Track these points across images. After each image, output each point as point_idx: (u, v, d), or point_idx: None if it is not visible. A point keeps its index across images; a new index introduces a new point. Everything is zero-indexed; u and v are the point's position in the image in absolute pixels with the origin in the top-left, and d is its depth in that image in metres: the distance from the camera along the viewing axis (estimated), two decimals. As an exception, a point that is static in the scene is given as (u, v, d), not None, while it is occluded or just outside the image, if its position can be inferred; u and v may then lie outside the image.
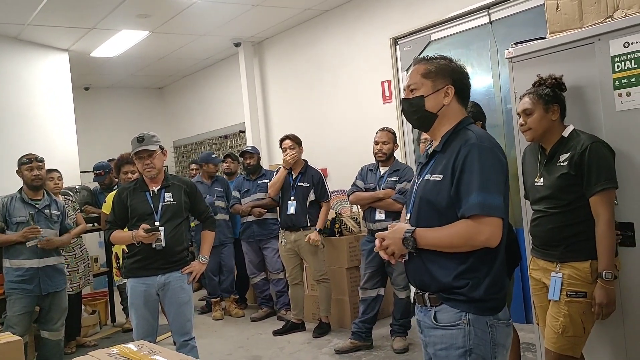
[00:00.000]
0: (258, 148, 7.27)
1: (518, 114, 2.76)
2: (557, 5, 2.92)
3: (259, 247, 5.85)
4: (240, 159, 6.31)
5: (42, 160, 4.37)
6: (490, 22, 4.96)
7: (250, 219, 5.81)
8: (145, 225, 3.53)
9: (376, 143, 4.68)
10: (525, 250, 3.18)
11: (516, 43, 3.18)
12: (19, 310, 4.12)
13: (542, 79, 2.71)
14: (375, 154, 4.69)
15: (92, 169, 6.63)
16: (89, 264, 5.63)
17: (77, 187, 6.36)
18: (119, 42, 7.10)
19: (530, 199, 2.82)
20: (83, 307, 5.87)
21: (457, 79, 2.02)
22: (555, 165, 2.65)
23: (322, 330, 5.17)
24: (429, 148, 2.08)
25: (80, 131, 7.79)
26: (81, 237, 5.57)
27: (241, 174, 6.27)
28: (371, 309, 4.63)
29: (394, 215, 4.36)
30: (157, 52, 7.78)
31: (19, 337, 2.23)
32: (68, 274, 5.25)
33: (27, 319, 4.20)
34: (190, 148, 9.60)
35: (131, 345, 2.00)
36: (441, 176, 1.92)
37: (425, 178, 2.00)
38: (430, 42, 5.53)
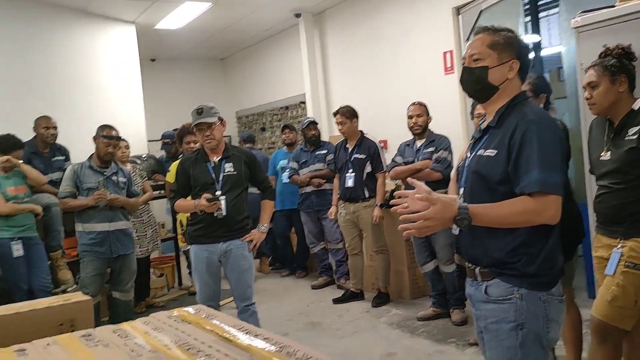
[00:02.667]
0: (318, 119, 7.34)
1: (583, 87, 2.66)
2: (629, -28, 2.78)
3: (317, 217, 5.93)
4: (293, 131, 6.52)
5: (119, 139, 4.63)
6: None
7: (308, 189, 5.88)
8: (207, 195, 3.64)
9: (410, 117, 4.71)
10: (589, 227, 3.10)
11: (584, 11, 3.05)
12: (92, 272, 4.36)
13: (608, 50, 2.60)
14: (410, 128, 4.73)
15: (160, 138, 6.88)
16: (156, 229, 5.86)
17: (144, 155, 6.60)
18: (182, 14, 7.24)
19: (596, 173, 2.74)
20: (152, 270, 6.15)
21: (523, 53, 1.97)
22: (623, 139, 2.56)
23: (381, 300, 5.22)
24: (482, 123, 2.04)
25: (147, 101, 8.03)
26: (149, 203, 5.80)
27: (300, 145, 6.33)
28: (436, 281, 4.65)
29: (434, 186, 4.34)
30: (219, 23, 7.88)
31: (89, 297, 2.35)
32: (137, 238, 5.52)
33: (99, 280, 4.43)
34: (252, 118, 9.74)
35: (190, 309, 2.08)
36: (495, 151, 1.89)
37: (478, 153, 1.97)
38: (481, 11, 5.33)
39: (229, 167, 3.81)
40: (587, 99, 2.63)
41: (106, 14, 7.07)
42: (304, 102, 8.05)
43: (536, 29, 8.70)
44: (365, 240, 5.45)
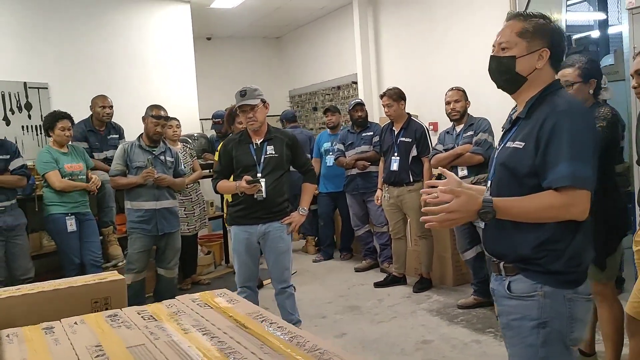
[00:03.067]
0: (369, 100, 7.28)
1: (631, 74, 2.53)
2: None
3: (362, 200, 5.91)
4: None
5: (168, 119, 4.74)
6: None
7: (354, 171, 5.86)
8: (247, 177, 3.68)
9: (447, 103, 4.66)
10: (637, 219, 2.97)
11: (640, -7, 2.88)
12: (139, 248, 4.50)
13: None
14: (448, 114, 4.67)
15: (211, 117, 6.99)
16: (204, 207, 5.99)
17: (195, 134, 6.73)
18: (237, -7, 7.28)
19: (640, 166, 2.61)
20: (199, 247, 6.30)
21: (555, 41, 1.88)
22: (672, 129, 2.42)
23: (423, 285, 5.18)
24: (513, 113, 1.97)
25: (202, 80, 8.15)
26: (198, 182, 5.93)
27: (346, 127, 6.30)
28: (478, 269, 4.57)
29: (477, 170, 4.42)
30: (273, 2, 7.88)
31: (123, 277, 2.43)
32: (185, 216, 5.67)
33: (145, 257, 4.57)
34: (305, 98, 9.75)
35: (215, 293, 2.13)
36: (523, 143, 1.83)
37: (506, 145, 1.91)
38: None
39: (270, 150, 3.84)
40: (635, 87, 2.49)
41: (162, -7, 7.19)
42: (355, 82, 7.99)
43: (603, 6, 8.30)
44: (409, 224, 5.40)
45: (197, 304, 2.01)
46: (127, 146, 4.60)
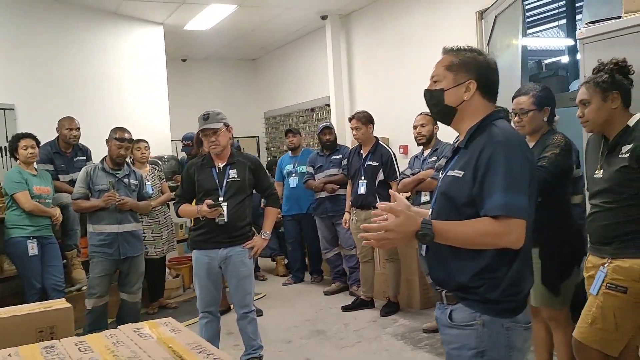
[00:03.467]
0: (341, 122, 7.31)
1: (577, 104, 2.57)
2: (634, -17, 2.66)
3: (331, 222, 5.90)
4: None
5: (132, 142, 4.67)
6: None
7: (323, 194, 5.86)
8: (208, 201, 3.66)
9: (415, 127, 4.71)
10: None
11: (590, 22, 2.95)
12: (100, 272, 4.42)
13: (601, 64, 2.50)
14: (415, 138, 4.72)
15: (181, 139, 6.97)
16: (172, 230, 5.94)
17: (165, 156, 6.70)
18: (210, 16, 7.30)
19: (589, 192, 2.64)
20: (168, 270, 6.24)
21: (482, 73, 1.92)
22: (616, 157, 2.46)
23: (390, 309, 5.16)
24: (456, 142, 2.00)
25: (177, 101, 8.15)
26: (167, 205, 5.88)
27: (315, 150, 6.32)
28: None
29: None
30: (247, 24, 7.92)
31: (70, 305, 2.39)
32: (153, 239, 5.62)
33: (106, 281, 4.47)
34: (279, 119, 9.77)
35: (160, 322, 2.11)
36: (462, 172, 1.85)
37: (447, 173, 1.93)
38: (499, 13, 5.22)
39: (233, 173, 3.83)
40: (580, 117, 2.54)
41: (135, 15, 7.18)
42: (328, 105, 8.03)
43: (572, 33, 8.45)
44: (377, 248, 5.40)
45: (138, 334, 1.99)
46: (90, 169, 4.55)
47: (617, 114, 2.48)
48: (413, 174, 4.73)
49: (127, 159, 4.73)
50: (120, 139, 4.50)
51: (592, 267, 2.62)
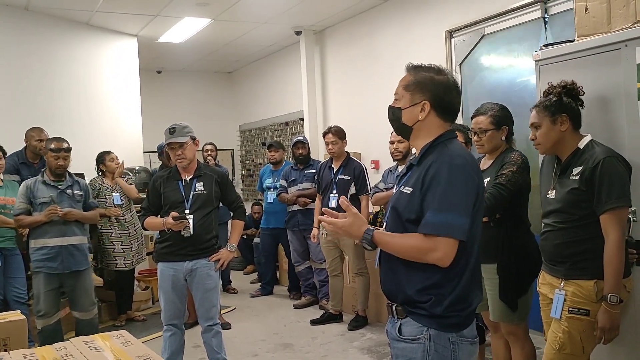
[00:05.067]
0: (314, 137, 7.37)
1: (529, 127, 2.64)
2: (586, 8, 2.76)
3: (303, 236, 5.92)
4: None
5: (68, 150, 4.45)
6: (544, 17, 4.71)
7: (295, 208, 5.89)
8: (174, 213, 3.66)
9: (391, 142, 4.71)
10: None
11: (545, 45, 3.03)
12: (44, 288, 4.27)
13: (551, 87, 2.57)
14: (392, 154, 4.73)
15: (156, 149, 6.95)
16: (142, 242, 5.91)
17: (136, 168, 6.68)
18: (184, 29, 7.33)
19: (542, 211, 2.70)
20: (137, 282, 6.19)
21: (437, 94, 1.96)
22: (568, 178, 2.52)
23: (358, 323, 5.19)
24: (412, 159, 2.05)
25: (151, 113, 8.14)
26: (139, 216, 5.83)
27: (289, 164, 6.35)
28: None
29: None
30: (222, 38, 7.96)
31: (24, 317, 2.38)
32: (122, 251, 5.59)
33: (52, 297, 4.32)
34: (254, 133, 9.80)
35: (113, 335, 2.11)
36: (411, 189, 1.90)
37: (400, 189, 1.98)
38: (484, 35, 5.34)
39: (199, 186, 3.84)
40: (532, 139, 2.61)
41: (108, 26, 7.16)
42: (302, 119, 8.08)
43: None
44: (347, 262, 5.43)
45: (89, 347, 1.99)
46: (30, 183, 4.39)
47: (567, 136, 2.53)
48: (387, 188, 4.74)
49: (69, 169, 4.57)
50: (55, 149, 4.35)
51: (545, 284, 2.67)
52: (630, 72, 2.56)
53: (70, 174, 4.58)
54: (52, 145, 4.37)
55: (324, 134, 5.40)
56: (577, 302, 2.46)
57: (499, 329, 3.21)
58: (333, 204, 5.19)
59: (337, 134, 5.28)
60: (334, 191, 5.23)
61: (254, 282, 7.21)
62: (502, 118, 3.11)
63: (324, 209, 2.12)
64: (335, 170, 5.30)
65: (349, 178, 5.22)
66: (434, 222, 1.79)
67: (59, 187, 4.41)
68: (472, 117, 3.16)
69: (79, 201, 4.50)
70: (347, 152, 5.40)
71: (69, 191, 4.44)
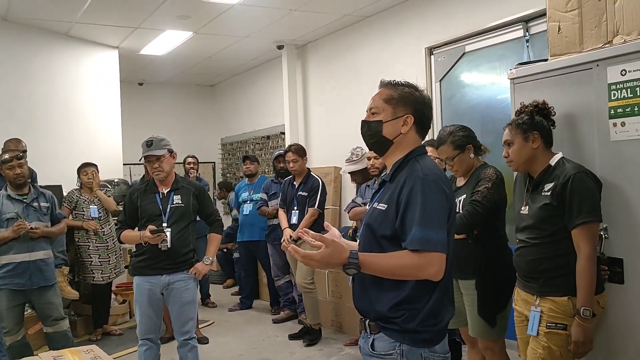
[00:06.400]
0: (297, 151, 7.37)
1: (502, 144, 2.69)
2: (559, 28, 2.81)
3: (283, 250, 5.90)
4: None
5: (21, 157, 4.33)
6: (526, 36, 4.79)
7: (275, 221, 5.87)
8: (151, 227, 3.64)
9: (369, 159, 4.76)
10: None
11: (520, 64, 3.09)
12: (7, 304, 4.16)
13: (523, 107, 2.62)
14: (368, 170, 4.76)
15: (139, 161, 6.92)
16: (120, 255, 5.85)
17: (115, 180, 6.63)
18: (165, 41, 7.32)
19: (516, 227, 2.74)
20: (114, 296, 6.12)
21: (418, 109, 1.99)
22: (539, 194, 2.56)
23: (313, 337, 5.22)
24: (384, 175, 2.06)
25: (132, 125, 8.09)
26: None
27: (270, 177, 6.36)
28: None
29: None
30: (203, 51, 7.96)
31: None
32: (99, 264, 5.53)
33: (15, 313, 4.22)
34: (236, 146, 9.79)
35: (82, 350, 2.09)
36: (385, 206, 1.91)
37: (373, 206, 1.99)
38: (464, 53, 5.42)
39: (177, 199, 3.82)
40: (505, 157, 2.65)
41: (88, 38, 7.12)
42: (284, 133, 8.10)
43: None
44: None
45: (58, 362, 1.96)
46: None
47: (538, 154, 2.59)
48: (365, 203, 4.77)
49: (29, 181, 4.49)
50: (9, 159, 4.24)
51: (520, 300, 2.70)
52: (602, 91, 2.61)
53: (34, 185, 4.50)
54: (5, 158, 4.26)
55: (285, 152, 5.45)
56: (554, 317, 2.49)
57: (476, 344, 3.23)
58: (294, 219, 5.30)
59: (297, 152, 5.37)
60: (295, 207, 5.32)
61: (235, 294, 7.15)
62: (463, 138, 3.15)
63: (304, 229, 2.01)
64: (296, 187, 5.37)
65: (307, 194, 5.31)
66: (421, 239, 1.78)
67: (25, 200, 4.32)
68: (437, 148, 3.21)
69: (46, 214, 4.42)
70: (308, 168, 5.48)
71: (35, 204, 4.36)
